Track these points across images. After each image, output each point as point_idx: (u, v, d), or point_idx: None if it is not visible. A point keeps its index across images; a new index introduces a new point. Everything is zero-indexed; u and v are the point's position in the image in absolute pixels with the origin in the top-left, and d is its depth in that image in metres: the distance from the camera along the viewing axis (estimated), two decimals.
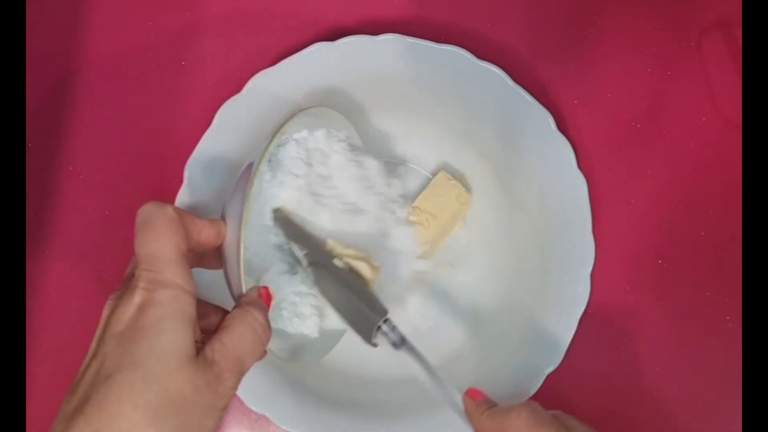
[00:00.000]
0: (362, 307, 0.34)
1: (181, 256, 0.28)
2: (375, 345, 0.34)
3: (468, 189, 0.43)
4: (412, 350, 0.33)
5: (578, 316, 0.37)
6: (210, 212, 0.38)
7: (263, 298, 0.31)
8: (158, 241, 0.28)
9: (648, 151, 0.45)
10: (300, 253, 0.35)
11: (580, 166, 0.38)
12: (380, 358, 0.42)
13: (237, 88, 0.38)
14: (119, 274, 0.44)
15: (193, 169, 0.38)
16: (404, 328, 0.34)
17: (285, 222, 0.36)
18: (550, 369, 0.37)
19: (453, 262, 0.44)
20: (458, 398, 0.32)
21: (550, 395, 0.37)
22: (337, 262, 0.35)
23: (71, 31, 0.47)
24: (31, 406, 0.43)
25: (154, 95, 0.46)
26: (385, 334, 0.33)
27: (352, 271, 0.35)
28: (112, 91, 0.46)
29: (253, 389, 0.37)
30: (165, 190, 0.44)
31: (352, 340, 0.42)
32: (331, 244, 0.35)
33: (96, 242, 0.45)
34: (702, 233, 0.44)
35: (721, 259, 0.43)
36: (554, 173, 0.39)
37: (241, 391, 0.37)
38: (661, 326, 0.43)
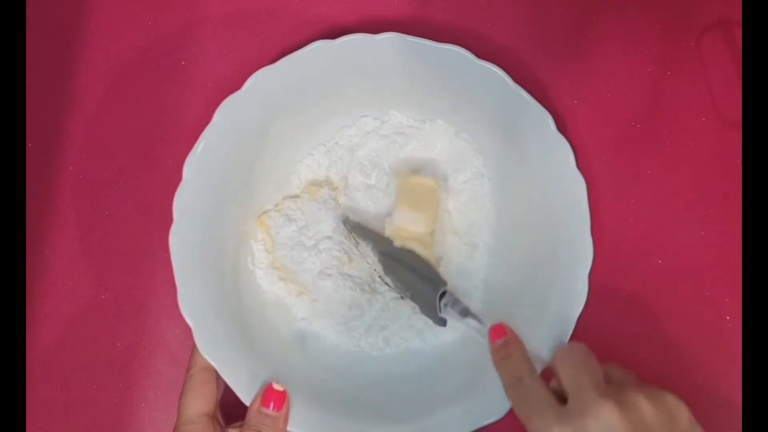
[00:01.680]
0: (424, 283, 0.40)
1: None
2: (443, 322, 0.40)
3: (434, 179, 0.42)
4: (477, 318, 0.38)
5: (576, 316, 0.37)
6: (209, 209, 0.39)
7: (275, 399, 0.36)
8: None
9: (648, 151, 0.45)
10: (368, 248, 0.42)
11: (579, 166, 0.38)
12: (382, 356, 0.43)
13: (237, 87, 0.38)
14: (119, 274, 0.44)
15: (192, 166, 0.38)
16: None
17: (353, 225, 0.43)
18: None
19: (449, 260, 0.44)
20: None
21: None
22: (396, 243, 0.41)
23: (71, 31, 0.47)
24: (31, 405, 0.43)
25: (154, 95, 0.46)
26: (446, 306, 0.39)
27: (410, 251, 0.41)
28: (111, 91, 0.46)
29: (254, 389, 0.37)
30: (165, 188, 0.44)
31: (354, 337, 0.42)
32: (389, 228, 0.41)
33: (96, 242, 0.45)
34: (702, 233, 0.44)
35: (721, 259, 0.43)
36: (553, 173, 0.39)
37: (242, 391, 0.37)
38: (661, 326, 0.43)
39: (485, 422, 0.37)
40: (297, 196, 0.44)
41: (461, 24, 0.46)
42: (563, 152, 0.38)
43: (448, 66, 0.39)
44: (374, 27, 0.42)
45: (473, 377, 0.40)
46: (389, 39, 0.39)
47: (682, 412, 0.30)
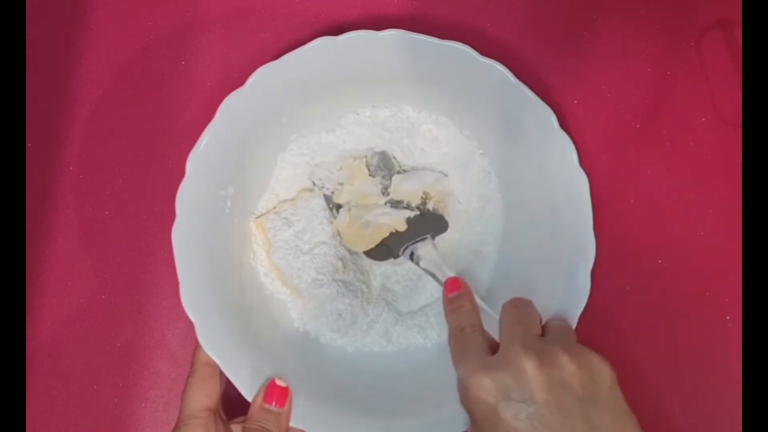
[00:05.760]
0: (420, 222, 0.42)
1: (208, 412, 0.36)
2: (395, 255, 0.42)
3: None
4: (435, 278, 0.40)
5: (579, 312, 0.37)
6: (211, 205, 0.39)
7: (277, 396, 0.36)
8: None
9: (648, 150, 0.45)
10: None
11: (581, 165, 0.38)
12: (384, 353, 0.43)
13: (239, 86, 0.38)
14: (119, 274, 0.44)
15: (195, 162, 0.38)
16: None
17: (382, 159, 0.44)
18: None
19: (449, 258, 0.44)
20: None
21: None
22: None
23: (71, 30, 0.47)
24: (31, 405, 0.43)
25: (155, 94, 0.46)
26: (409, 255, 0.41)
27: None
28: (111, 91, 0.46)
29: (256, 384, 0.37)
30: (164, 188, 0.44)
31: (355, 337, 0.42)
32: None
33: (96, 242, 0.45)
34: (702, 233, 0.44)
35: (721, 259, 0.43)
36: (556, 170, 0.39)
37: (243, 387, 0.37)
38: (661, 326, 0.43)
39: None
40: (293, 200, 0.44)
41: (464, 21, 0.46)
42: (566, 149, 0.38)
43: (451, 63, 0.39)
44: (377, 24, 0.43)
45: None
46: (392, 36, 0.39)
47: (604, 373, 0.30)
